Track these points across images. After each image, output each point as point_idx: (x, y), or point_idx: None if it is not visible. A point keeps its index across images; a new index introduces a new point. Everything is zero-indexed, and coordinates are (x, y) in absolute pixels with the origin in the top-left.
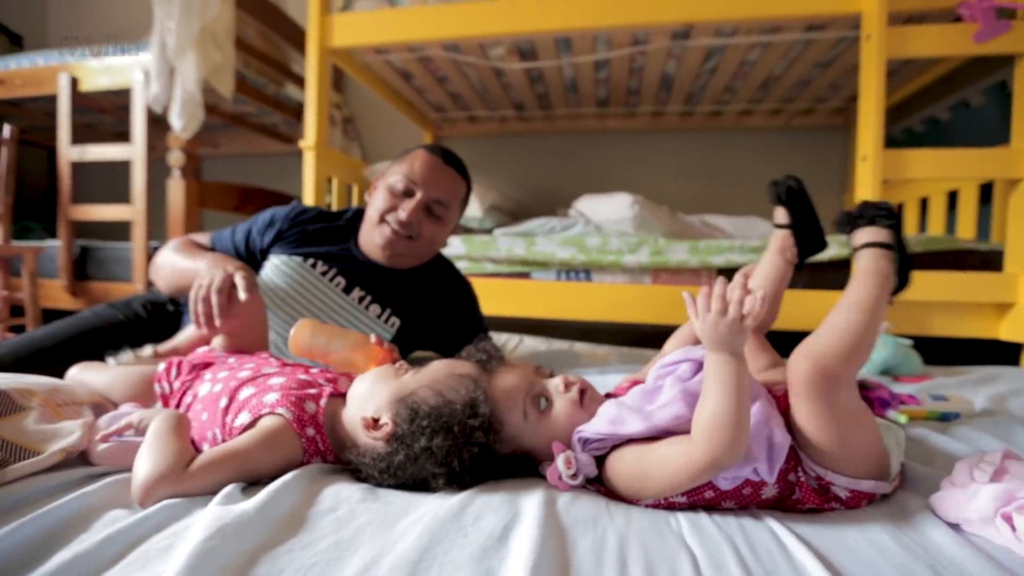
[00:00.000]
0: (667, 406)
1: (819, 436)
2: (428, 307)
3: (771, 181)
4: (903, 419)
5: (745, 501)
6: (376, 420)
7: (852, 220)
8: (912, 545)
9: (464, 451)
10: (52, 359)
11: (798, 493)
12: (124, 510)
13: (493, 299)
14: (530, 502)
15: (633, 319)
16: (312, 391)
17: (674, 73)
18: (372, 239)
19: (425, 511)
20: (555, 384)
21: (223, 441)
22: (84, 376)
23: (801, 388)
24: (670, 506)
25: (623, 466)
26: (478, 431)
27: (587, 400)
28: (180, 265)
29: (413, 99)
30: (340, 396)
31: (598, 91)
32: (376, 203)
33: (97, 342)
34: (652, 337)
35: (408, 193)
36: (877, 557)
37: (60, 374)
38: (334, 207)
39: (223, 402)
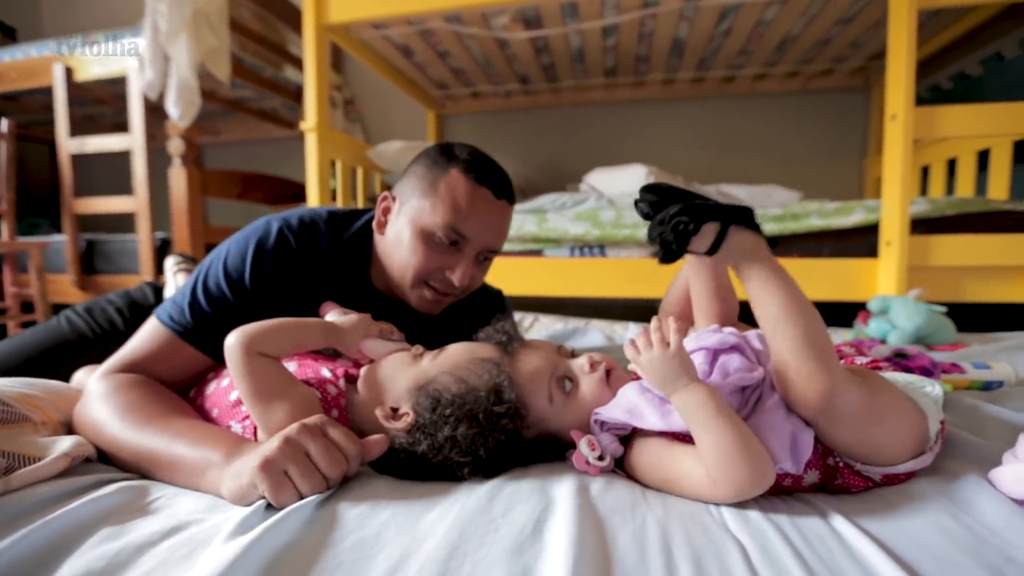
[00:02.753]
0: None
1: (840, 446)
2: (456, 332)
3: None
4: (947, 388)
5: (786, 490)
6: (395, 410)
7: (672, 234)
8: (977, 527)
9: (490, 439)
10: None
11: (840, 479)
12: (138, 516)
13: (505, 278)
14: (562, 490)
15: (650, 294)
16: (327, 374)
17: (685, 37)
18: (400, 294)
19: (451, 503)
20: (580, 364)
21: (245, 433)
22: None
23: (800, 413)
24: None
25: (645, 462)
26: (504, 418)
27: (613, 379)
28: (139, 448)
29: (414, 76)
30: (351, 381)
31: (606, 59)
32: (405, 255)
33: (62, 358)
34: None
35: (454, 244)
36: (942, 541)
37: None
38: (339, 191)
39: (234, 394)
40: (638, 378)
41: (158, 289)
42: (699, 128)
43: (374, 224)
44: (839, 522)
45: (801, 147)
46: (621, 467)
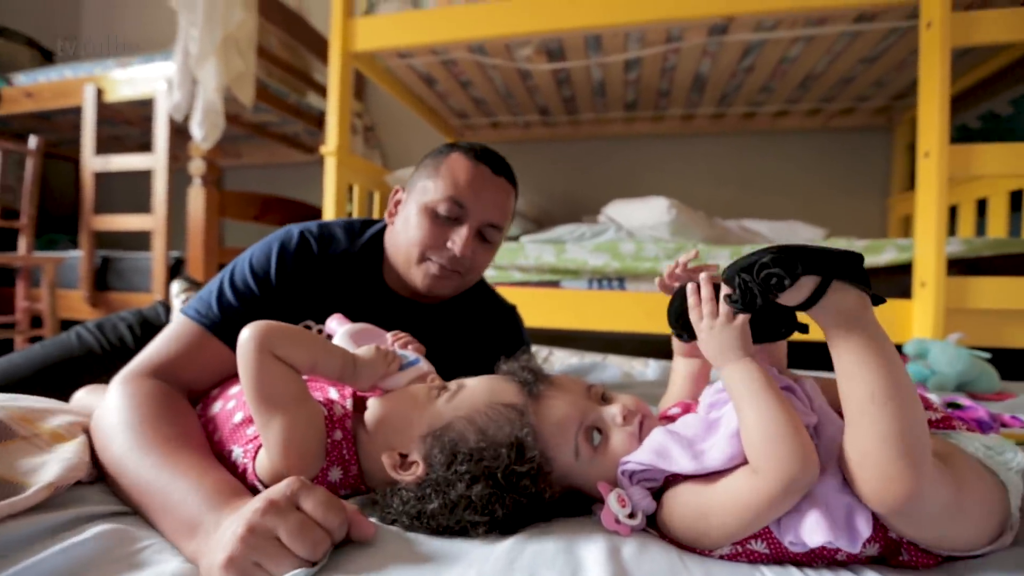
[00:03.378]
0: (719, 444)
1: (909, 537)
2: (466, 345)
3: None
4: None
5: (839, 563)
6: (404, 457)
7: (757, 284)
8: None
9: (507, 498)
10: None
11: (906, 555)
12: (117, 573)
13: (521, 309)
14: (591, 552)
15: (669, 331)
16: (334, 395)
17: (708, 73)
18: (408, 276)
19: (466, 567)
20: (612, 415)
21: (245, 458)
22: (90, 400)
23: (868, 506)
24: (751, 557)
25: (679, 505)
26: (525, 478)
27: (644, 429)
28: (137, 478)
29: (436, 105)
30: (359, 405)
31: (627, 93)
32: (411, 232)
33: (69, 374)
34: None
35: (455, 219)
36: None
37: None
38: (355, 215)
39: (238, 416)
40: (666, 421)
41: (171, 309)
42: (718, 164)
43: (386, 216)
44: None
45: (822, 185)
46: (652, 525)
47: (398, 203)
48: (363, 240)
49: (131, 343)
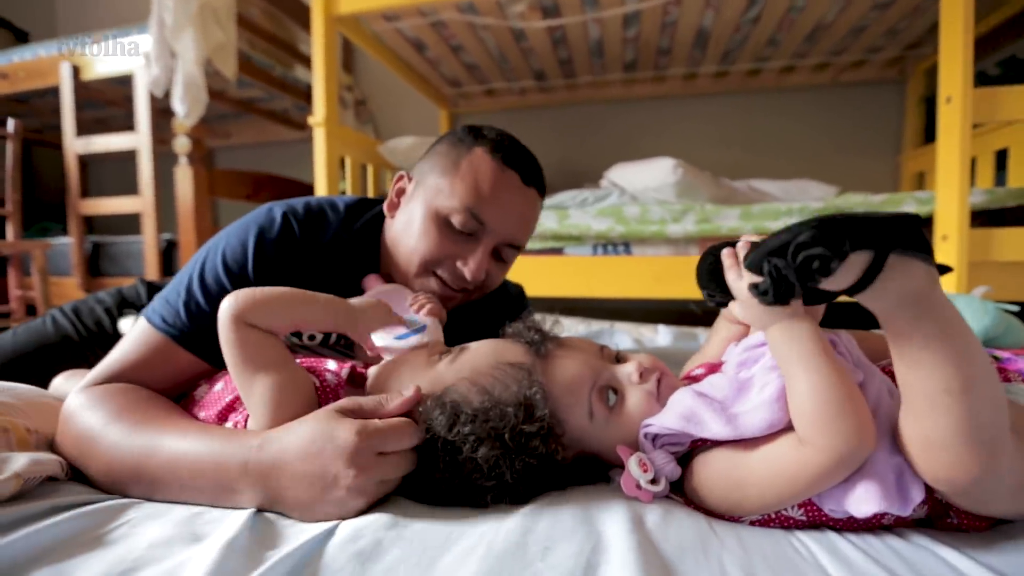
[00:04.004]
0: (758, 410)
1: (976, 512)
2: (473, 332)
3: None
4: None
5: (884, 525)
6: None
7: (793, 269)
8: None
9: (517, 462)
10: None
11: (955, 518)
12: (84, 551)
13: (523, 278)
14: (612, 523)
15: (678, 295)
16: (331, 365)
17: (711, 26)
18: (407, 284)
19: (476, 540)
20: (627, 373)
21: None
22: (69, 386)
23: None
24: (785, 524)
25: (712, 473)
26: (535, 438)
27: (664, 388)
28: (141, 453)
29: (427, 73)
30: (357, 380)
31: (625, 52)
32: (415, 239)
33: (44, 362)
34: (698, 315)
35: (470, 233)
36: None
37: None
38: (348, 190)
39: (228, 397)
40: (690, 382)
41: (152, 287)
42: (722, 125)
43: (385, 206)
44: (960, 561)
45: (831, 143)
46: (675, 490)
47: (401, 192)
48: (358, 226)
49: (109, 327)
